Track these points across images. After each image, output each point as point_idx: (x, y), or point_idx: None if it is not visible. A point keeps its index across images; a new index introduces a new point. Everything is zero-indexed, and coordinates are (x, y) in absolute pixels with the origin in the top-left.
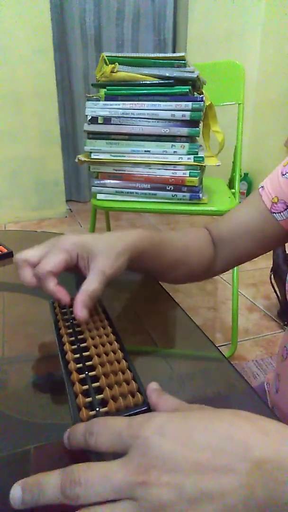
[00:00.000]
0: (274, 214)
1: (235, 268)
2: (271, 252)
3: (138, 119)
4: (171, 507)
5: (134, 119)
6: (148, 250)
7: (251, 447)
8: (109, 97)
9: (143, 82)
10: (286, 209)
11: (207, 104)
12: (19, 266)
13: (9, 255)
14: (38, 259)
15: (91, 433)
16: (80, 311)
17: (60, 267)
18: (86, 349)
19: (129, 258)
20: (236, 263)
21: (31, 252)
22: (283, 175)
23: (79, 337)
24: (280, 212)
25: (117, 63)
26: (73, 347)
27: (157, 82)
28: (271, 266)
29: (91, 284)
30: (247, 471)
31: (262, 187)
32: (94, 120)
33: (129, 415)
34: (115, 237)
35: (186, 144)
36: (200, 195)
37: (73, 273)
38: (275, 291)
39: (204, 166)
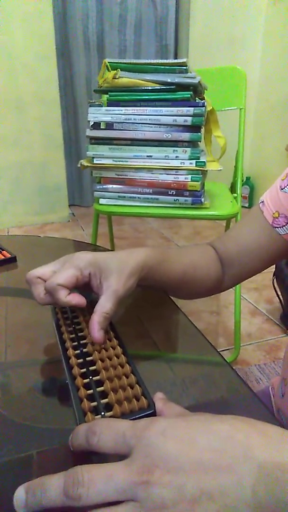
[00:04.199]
0: (277, 228)
1: None
2: None
3: (140, 124)
4: (172, 507)
5: (136, 124)
6: (156, 267)
7: (252, 448)
8: (111, 103)
9: (145, 88)
10: (287, 223)
11: (208, 109)
12: (32, 284)
13: (13, 260)
14: (50, 275)
15: (94, 432)
16: (97, 332)
17: (71, 282)
18: (89, 354)
19: (139, 276)
20: (243, 279)
21: (44, 269)
22: (282, 189)
23: (82, 342)
24: (282, 227)
25: (119, 69)
26: (76, 352)
27: (159, 88)
28: (274, 270)
29: (106, 305)
30: (248, 471)
31: (262, 202)
32: (96, 125)
33: (134, 419)
34: (125, 256)
35: (188, 149)
36: (202, 199)
37: (84, 291)
38: (278, 295)
39: (206, 170)
